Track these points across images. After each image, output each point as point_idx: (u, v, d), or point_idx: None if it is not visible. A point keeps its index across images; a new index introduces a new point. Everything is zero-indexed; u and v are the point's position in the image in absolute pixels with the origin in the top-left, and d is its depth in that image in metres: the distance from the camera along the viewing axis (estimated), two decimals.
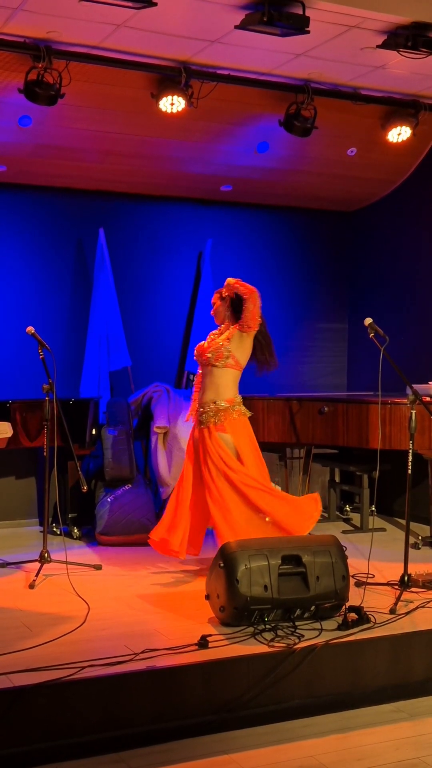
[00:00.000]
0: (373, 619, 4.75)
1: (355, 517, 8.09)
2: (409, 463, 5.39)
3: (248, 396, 7.61)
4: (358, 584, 5.47)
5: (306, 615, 4.77)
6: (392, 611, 4.95)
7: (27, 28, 5.92)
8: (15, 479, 7.81)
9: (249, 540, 5.02)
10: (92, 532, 7.17)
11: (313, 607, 4.76)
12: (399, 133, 7.52)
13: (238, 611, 4.63)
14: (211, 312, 6.23)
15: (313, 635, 4.53)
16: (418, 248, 8.49)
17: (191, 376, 8.08)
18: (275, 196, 8.76)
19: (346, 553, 5.00)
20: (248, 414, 6.04)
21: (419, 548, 6.86)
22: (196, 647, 4.35)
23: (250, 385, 8.70)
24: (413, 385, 5.43)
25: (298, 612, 4.73)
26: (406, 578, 5.34)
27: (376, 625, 4.71)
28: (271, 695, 4.24)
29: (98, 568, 6.11)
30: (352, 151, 8.01)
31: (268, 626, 4.63)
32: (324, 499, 8.54)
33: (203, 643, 4.37)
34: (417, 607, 5.06)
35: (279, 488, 6.08)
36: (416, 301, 8.46)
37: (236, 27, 5.79)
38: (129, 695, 3.98)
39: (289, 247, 9.10)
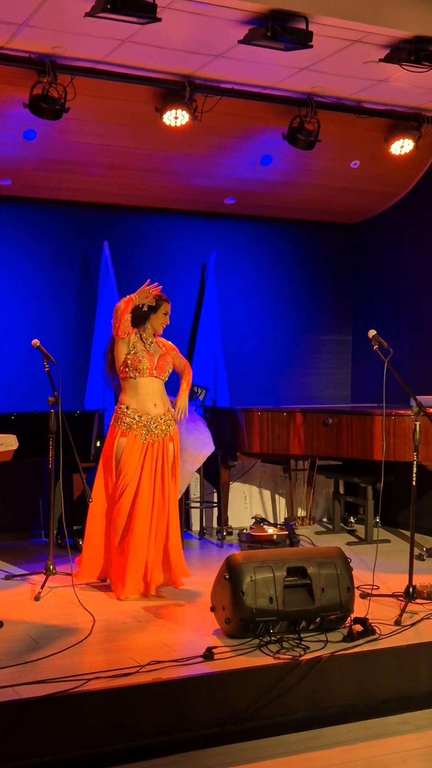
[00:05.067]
0: (378, 631, 4.76)
1: (360, 529, 8.09)
2: (414, 475, 5.40)
3: (252, 408, 7.65)
4: (363, 596, 5.46)
5: (311, 627, 4.77)
6: (397, 623, 4.95)
7: (32, 44, 5.96)
8: (20, 491, 7.81)
9: (254, 552, 5.03)
10: None
11: (318, 619, 4.76)
12: (402, 146, 7.55)
13: (243, 623, 4.63)
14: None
15: (319, 647, 4.54)
16: (421, 260, 8.51)
17: (195, 388, 8.10)
18: (279, 209, 8.79)
19: (351, 564, 5.01)
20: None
21: (424, 560, 6.85)
22: (202, 659, 4.35)
23: (254, 397, 8.74)
24: (417, 397, 5.44)
25: (303, 624, 4.74)
26: (410, 590, 5.34)
27: (381, 637, 4.71)
28: (277, 707, 4.24)
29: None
30: (355, 164, 8.04)
31: (273, 638, 4.63)
32: (329, 510, 8.57)
33: (209, 655, 4.37)
34: (422, 619, 5.06)
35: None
36: (420, 312, 8.48)
37: (240, 42, 5.82)
38: (135, 707, 3.99)
39: (292, 260, 9.12)
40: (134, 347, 5.91)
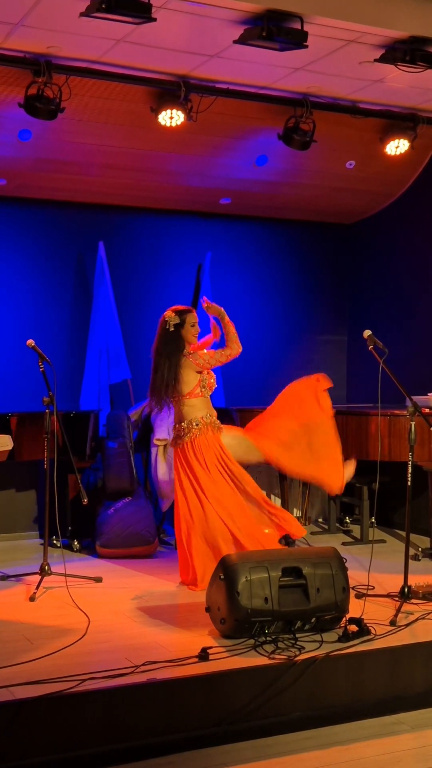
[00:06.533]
0: (373, 631, 4.75)
1: (355, 529, 8.09)
2: (409, 475, 5.40)
3: (248, 408, 7.64)
4: (359, 596, 5.46)
5: (306, 627, 4.77)
6: (392, 623, 4.95)
7: (27, 43, 5.96)
8: (15, 492, 7.81)
9: (250, 552, 5.03)
10: (92, 544, 7.17)
11: (313, 619, 4.76)
12: (397, 146, 7.55)
13: (238, 623, 4.63)
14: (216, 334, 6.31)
15: (314, 647, 4.53)
16: (417, 260, 8.51)
17: None
18: (274, 209, 8.79)
19: (347, 564, 5.01)
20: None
21: (419, 560, 6.86)
22: (197, 660, 4.34)
23: (250, 398, 8.73)
24: (413, 397, 5.44)
25: (298, 624, 4.73)
26: (406, 590, 5.34)
27: (376, 637, 4.71)
28: (272, 707, 4.24)
29: (98, 580, 6.11)
30: (350, 164, 8.04)
31: (268, 638, 4.63)
32: (324, 511, 8.57)
33: (204, 655, 4.37)
34: (417, 619, 5.05)
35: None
36: (415, 312, 8.48)
37: (235, 42, 5.82)
38: (130, 708, 3.98)
39: (288, 260, 9.12)
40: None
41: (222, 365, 6.32)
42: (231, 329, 6.20)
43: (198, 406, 6.12)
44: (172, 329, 6.07)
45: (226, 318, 6.23)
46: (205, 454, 6.05)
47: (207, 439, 6.07)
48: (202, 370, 6.11)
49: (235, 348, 6.18)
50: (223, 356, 6.15)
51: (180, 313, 6.11)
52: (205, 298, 6.38)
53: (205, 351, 6.21)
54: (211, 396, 6.29)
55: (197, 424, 6.07)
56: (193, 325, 6.13)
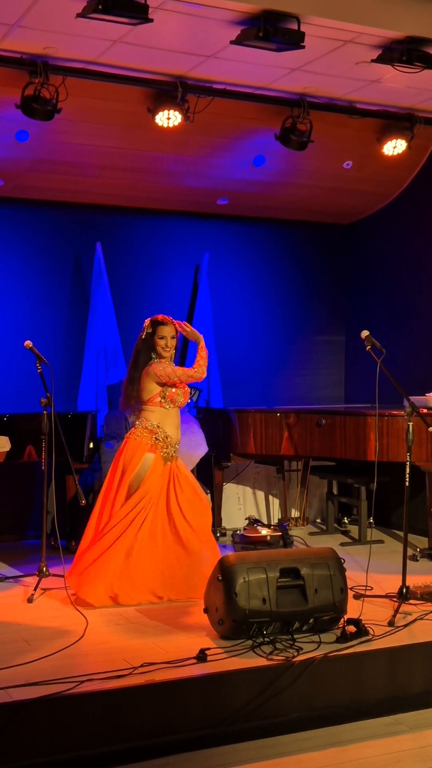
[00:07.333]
0: (371, 632, 4.75)
1: (353, 530, 8.09)
2: (407, 475, 5.40)
3: (246, 409, 7.64)
4: (357, 596, 5.46)
5: (304, 628, 4.76)
6: (391, 623, 4.95)
7: (24, 44, 5.95)
8: (13, 493, 7.80)
9: (248, 553, 5.02)
10: None
11: (311, 620, 4.76)
12: (394, 146, 7.55)
13: (236, 624, 4.62)
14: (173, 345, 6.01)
15: (312, 648, 4.53)
16: (414, 260, 8.51)
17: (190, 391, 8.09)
18: (271, 210, 8.79)
19: (345, 565, 5.01)
20: None
21: (417, 560, 6.85)
22: (195, 661, 4.34)
23: (248, 398, 8.73)
24: (410, 397, 5.44)
25: (296, 625, 4.73)
26: (404, 590, 5.34)
27: (374, 638, 4.71)
28: (271, 708, 4.24)
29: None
30: (348, 165, 8.04)
31: (266, 639, 4.63)
32: (322, 511, 8.57)
33: (202, 656, 4.36)
34: (415, 620, 5.05)
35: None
36: (413, 313, 8.48)
37: (232, 42, 5.82)
38: (128, 709, 3.98)
39: (285, 260, 9.12)
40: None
41: (181, 383, 5.94)
42: (204, 354, 6.01)
43: (156, 413, 5.91)
44: (144, 337, 5.95)
45: (203, 344, 6.04)
46: (126, 465, 5.85)
47: (136, 449, 5.85)
48: (160, 380, 5.86)
49: (200, 372, 5.93)
50: (186, 375, 5.88)
51: (154, 323, 5.93)
52: (178, 321, 6.03)
53: (171, 364, 5.96)
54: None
55: (139, 425, 5.90)
56: (161, 338, 5.88)
